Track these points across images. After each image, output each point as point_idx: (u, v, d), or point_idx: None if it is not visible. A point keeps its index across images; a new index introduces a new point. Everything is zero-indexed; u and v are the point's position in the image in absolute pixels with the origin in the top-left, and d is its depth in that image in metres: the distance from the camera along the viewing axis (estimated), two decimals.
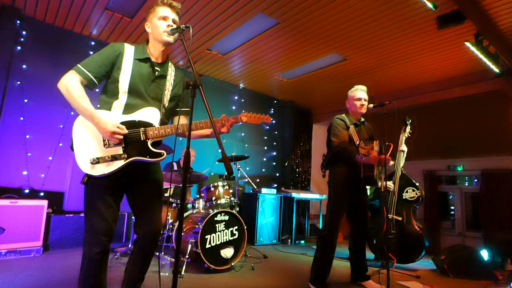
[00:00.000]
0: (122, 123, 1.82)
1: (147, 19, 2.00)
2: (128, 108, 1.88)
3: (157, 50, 1.99)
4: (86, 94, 1.81)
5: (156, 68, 1.98)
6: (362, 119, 3.43)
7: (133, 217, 4.43)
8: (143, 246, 1.95)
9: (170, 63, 2.09)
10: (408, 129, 4.18)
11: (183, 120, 2.10)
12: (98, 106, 1.89)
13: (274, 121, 7.89)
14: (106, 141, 1.80)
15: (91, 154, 1.78)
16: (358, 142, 2.97)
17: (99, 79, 1.89)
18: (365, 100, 3.32)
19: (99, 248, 1.76)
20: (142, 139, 1.84)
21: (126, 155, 1.80)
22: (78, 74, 1.81)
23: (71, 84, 1.77)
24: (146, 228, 1.93)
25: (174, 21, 1.95)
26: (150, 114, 1.90)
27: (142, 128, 1.85)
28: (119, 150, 1.80)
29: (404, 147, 4.11)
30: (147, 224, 1.93)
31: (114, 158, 1.77)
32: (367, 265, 3.36)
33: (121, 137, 1.77)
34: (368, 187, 3.48)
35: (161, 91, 1.99)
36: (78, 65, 1.84)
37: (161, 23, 1.92)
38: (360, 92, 3.34)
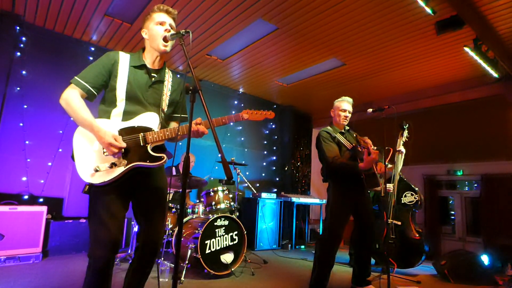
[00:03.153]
0: (122, 129, 1.82)
1: (144, 26, 1.99)
2: (127, 115, 1.87)
3: (154, 57, 1.99)
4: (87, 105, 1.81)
5: (152, 74, 1.98)
6: (347, 128, 3.48)
7: (133, 222, 4.42)
8: (143, 256, 1.93)
9: (167, 69, 2.09)
10: (405, 133, 4.18)
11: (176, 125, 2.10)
12: (98, 116, 1.87)
13: (273, 126, 7.90)
14: None
15: (92, 162, 1.76)
16: (359, 146, 2.97)
17: (98, 89, 1.87)
18: (349, 113, 3.38)
19: (103, 259, 1.73)
20: (141, 144, 1.83)
21: (126, 161, 1.78)
22: (76, 87, 1.81)
23: (70, 97, 1.78)
24: (147, 237, 1.91)
25: (171, 26, 1.95)
26: (150, 119, 1.90)
27: (142, 133, 1.84)
28: (119, 157, 1.79)
29: (402, 148, 4.12)
30: (148, 233, 1.91)
31: (114, 165, 1.76)
32: (370, 270, 3.34)
33: (116, 150, 1.74)
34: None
35: (159, 97, 1.99)
36: (75, 77, 1.82)
37: (158, 28, 1.92)
38: (345, 104, 3.39)
